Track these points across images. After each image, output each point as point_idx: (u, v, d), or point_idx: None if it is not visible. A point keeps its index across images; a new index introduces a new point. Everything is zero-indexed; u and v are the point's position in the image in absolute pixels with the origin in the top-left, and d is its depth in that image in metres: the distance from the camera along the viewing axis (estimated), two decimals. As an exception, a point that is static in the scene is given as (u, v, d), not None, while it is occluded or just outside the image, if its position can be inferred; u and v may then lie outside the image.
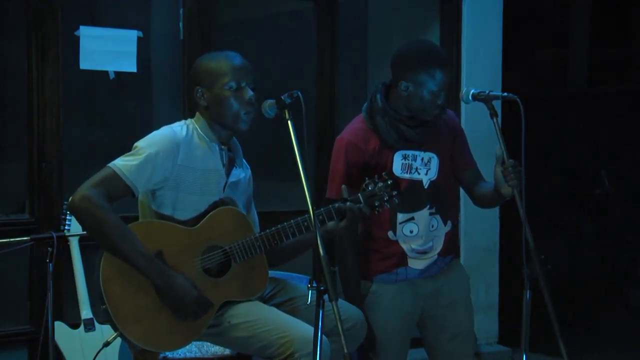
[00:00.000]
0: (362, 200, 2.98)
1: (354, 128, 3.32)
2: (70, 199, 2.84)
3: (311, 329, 2.63)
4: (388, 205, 3.02)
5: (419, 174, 3.32)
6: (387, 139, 3.26)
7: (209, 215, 2.96)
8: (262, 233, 2.97)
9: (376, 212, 3.04)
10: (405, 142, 3.28)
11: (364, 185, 3.01)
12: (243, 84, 2.99)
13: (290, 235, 2.95)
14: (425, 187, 3.34)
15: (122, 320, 2.80)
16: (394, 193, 3.02)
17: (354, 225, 3.09)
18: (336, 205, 2.97)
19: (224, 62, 3.00)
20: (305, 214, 2.83)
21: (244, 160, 3.19)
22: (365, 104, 3.35)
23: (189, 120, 3.06)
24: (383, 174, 3.04)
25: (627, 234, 8.36)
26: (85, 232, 2.94)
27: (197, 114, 3.07)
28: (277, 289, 3.14)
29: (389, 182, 3.01)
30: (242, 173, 3.15)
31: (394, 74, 3.26)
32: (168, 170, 2.90)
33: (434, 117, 3.26)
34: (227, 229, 2.97)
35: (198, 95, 3.02)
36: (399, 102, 3.26)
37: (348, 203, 2.96)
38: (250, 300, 3.00)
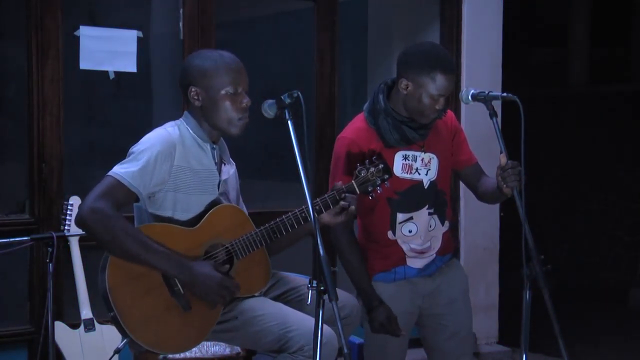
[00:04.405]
0: (355, 188, 3.00)
1: (355, 127, 3.32)
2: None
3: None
4: (380, 190, 3.04)
5: (419, 174, 3.33)
6: (388, 139, 3.26)
7: (208, 214, 2.95)
8: (262, 227, 2.98)
9: (370, 198, 3.06)
10: (407, 143, 3.28)
11: (356, 172, 3.03)
12: (240, 90, 2.98)
13: (290, 228, 2.97)
14: (425, 187, 3.34)
15: (132, 326, 2.79)
16: (386, 177, 3.04)
17: (350, 218, 3.11)
18: (331, 193, 2.99)
19: (222, 64, 2.98)
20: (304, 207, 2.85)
21: (229, 157, 3.19)
22: (367, 104, 3.34)
23: (178, 121, 3.05)
24: (373, 158, 3.05)
25: (627, 234, 8.37)
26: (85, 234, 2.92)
27: (186, 113, 3.05)
28: (273, 280, 3.14)
29: (380, 167, 3.03)
30: (231, 169, 3.15)
31: (398, 70, 3.25)
32: (166, 172, 2.90)
33: (431, 121, 3.26)
34: (227, 227, 2.97)
35: (192, 95, 3.00)
36: (398, 102, 3.26)
37: (338, 197, 2.98)
38: (254, 296, 3.01)
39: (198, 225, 2.93)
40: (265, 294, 3.07)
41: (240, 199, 3.23)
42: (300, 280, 3.12)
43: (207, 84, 2.98)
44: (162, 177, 2.89)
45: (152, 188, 2.89)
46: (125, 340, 2.85)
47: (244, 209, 3.19)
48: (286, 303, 3.01)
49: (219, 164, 3.07)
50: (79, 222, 2.82)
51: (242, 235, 2.95)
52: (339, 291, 2.66)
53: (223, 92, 2.97)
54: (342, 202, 2.97)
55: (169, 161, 2.90)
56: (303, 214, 2.95)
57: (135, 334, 2.79)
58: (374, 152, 3.18)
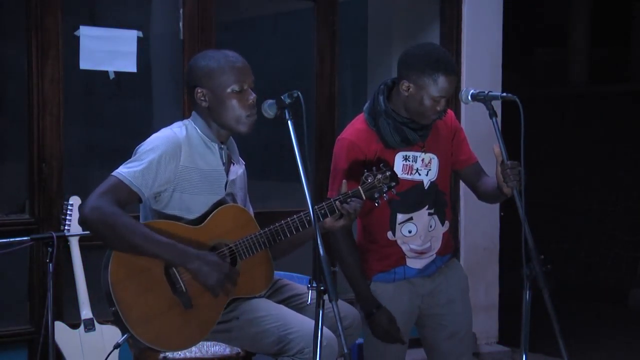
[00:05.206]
0: (362, 193, 3.00)
1: (355, 128, 3.32)
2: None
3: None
4: (387, 197, 3.04)
5: (419, 175, 3.32)
6: (389, 141, 3.26)
7: (213, 213, 2.96)
8: (266, 229, 2.97)
9: (376, 204, 3.05)
10: (407, 144, 3.28)
11: (363, 177, 3.02)
12: (245, 87, 2.99)
13: (294, 230, 2.96)
14: (426, 188, 3.34)
15: (133, 322, 2.79)
16: (393, 184, 3.04)
17: (351, 222, 3.10)
18: (337, 198, 2.98)
19: (226, 63, 2.99)
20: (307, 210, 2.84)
21: (239, 156, 3.20)
22: (367, 104, 3.34)
23: (186, 121, 3.05)
24: (381, 165, 3.05)
25: (627, 234, 8.37)
26: (86, 233, 2.93)
27: (194, 113, 3.05)
28: (277, 285, 3.14)
29: (388, 174, 3.03)
30: (239, 169, 3.15)
31: (398, 71, 3.24)
32: (171, 173, 2.90)
33: (432, 122, 3.26)
34: (232, 227, 2.97)
35: (198, 96, 3.01)
36: (399, 103, 3.25)
37: (343, 201, 2.97)
38: (256, 297, 3.01)
39: (203, 224, 2.94)
40: (268, 298, 3.07)
41: (248, 199, 3.23)
42: (304, 288, 3.11)
43: (212, 84, 2.98)
44: (167, 177, 2.89)
45: (156, 188, 2.89)
46: (125, 336, 2.85)
47: (250, 210, 3.19)
48: (292, 309, 3.00)
49: (227, 164, 3.07)
50: (81, 222, 2.83)
51: (246, 236, 2.95)
52: (340, 302, 2.66)
53: (229, 90, 2.97)
54: (345, 205, 2.96)
55: (174, 161, 2.90)
56: (308, 217, 2.94)
57: (135, 330, 2.79)
58: (381, 159, 3.17)
